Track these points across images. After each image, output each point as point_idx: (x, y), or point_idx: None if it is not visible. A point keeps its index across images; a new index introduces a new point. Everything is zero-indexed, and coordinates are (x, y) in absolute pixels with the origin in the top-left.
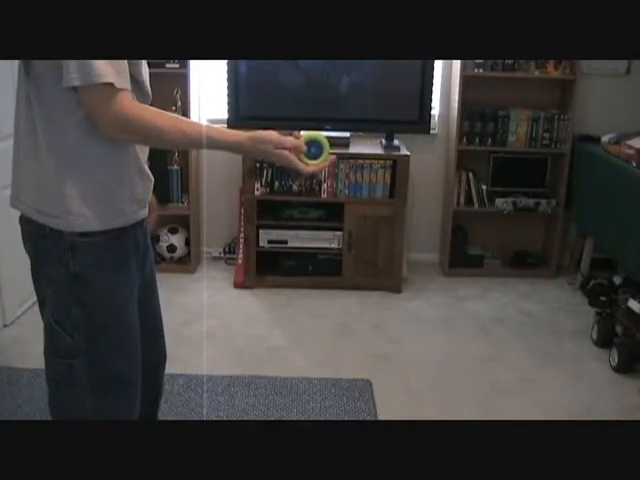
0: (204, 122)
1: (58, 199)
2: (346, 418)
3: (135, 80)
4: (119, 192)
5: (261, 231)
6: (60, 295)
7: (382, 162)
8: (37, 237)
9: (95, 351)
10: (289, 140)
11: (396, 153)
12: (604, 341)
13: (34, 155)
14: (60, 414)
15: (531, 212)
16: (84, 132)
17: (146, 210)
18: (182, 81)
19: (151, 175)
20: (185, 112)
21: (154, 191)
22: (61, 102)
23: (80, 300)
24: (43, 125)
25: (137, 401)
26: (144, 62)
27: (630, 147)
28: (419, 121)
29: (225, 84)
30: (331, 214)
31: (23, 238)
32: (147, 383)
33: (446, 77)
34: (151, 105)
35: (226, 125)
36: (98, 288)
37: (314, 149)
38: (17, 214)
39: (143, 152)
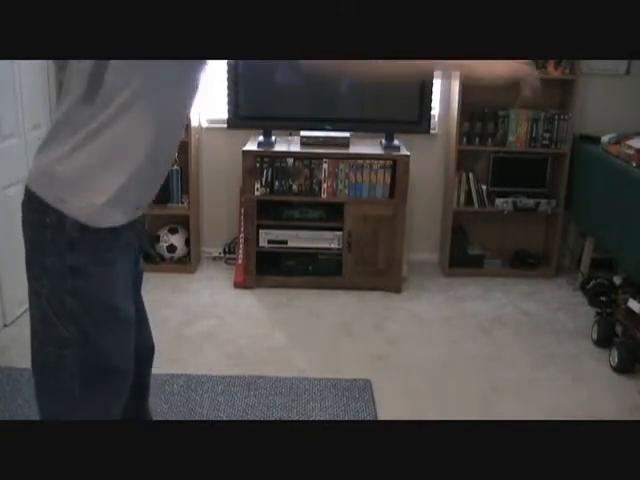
0: (204, 122)
1: (90, 190)
2: (346, 418)
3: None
4: (140, 196)
5: (261, 231)
6: (56, 286)
7: (382, 162)
8: (38, 225)
9: (88, 343)
10: None
11: (396, 153)
12: (604, 341)
13: (88, 142)
14: (47, 403)
15: (531, 212)
16: (139, 135)
17: (141, 210)
18: None
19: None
20: None
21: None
22: (128, 108)
23: (76, 293)
24: (109, 121)
25: (126, 394)
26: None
27: (630, 147)
28: (419, 121)
29: (225, 84)
30: (331, 214)
31: (23, 224)
32: (137, 375)
33: (446, 77)
34: None
35: (226, 125)
36: (94, 282)
37: None
38: (17, 214)
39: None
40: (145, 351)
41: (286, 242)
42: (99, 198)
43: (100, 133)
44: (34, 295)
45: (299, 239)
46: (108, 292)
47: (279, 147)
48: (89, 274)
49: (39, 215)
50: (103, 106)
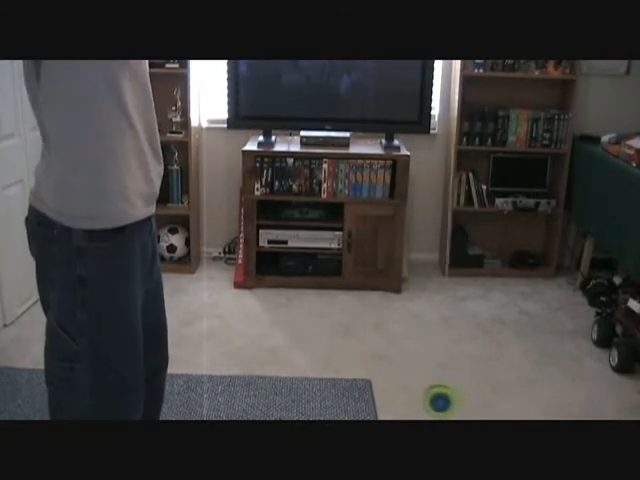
0: (204, 122)
1: (67, 196)
2: (346, 418)
3: (137, 79)
4: (131, 180)
5: (261, 231)
6: (65, 299)
7: (382, 162)
8: (45, 239)
9: (98, 356)
10: None
11: (396, 153)
12: (604, 341)
13: (45, 153)
14: (59, 417)
15: (531, 212)
16: (90, 125)
17: (153, 208)
18: (182, 81)
19: (157, 170)
20: (185, 112)
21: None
22: (66, 97)
23: (86, 304)
24: (51, 123)
25: (140, 408)
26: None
27: (630, 147)
28: (419, 121)
29: (225, 84)
30: (331, 214)
31: (29, 240)
32: (148, 388)
33: (446, 77)
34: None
35: (226, 125)
36: (104, 292)
37: (441, 403)
38: (17, 214)
39: (151, 144)
40: (160, 367)
41: (286, 242)
42: (89, 199)
43: (55, 137)
44: (45, 308)
45: (299, 239)
46: (116, 301)
47: (279, 147)
48: (97, 284)
49: (44, 229)
50: (41, 110)
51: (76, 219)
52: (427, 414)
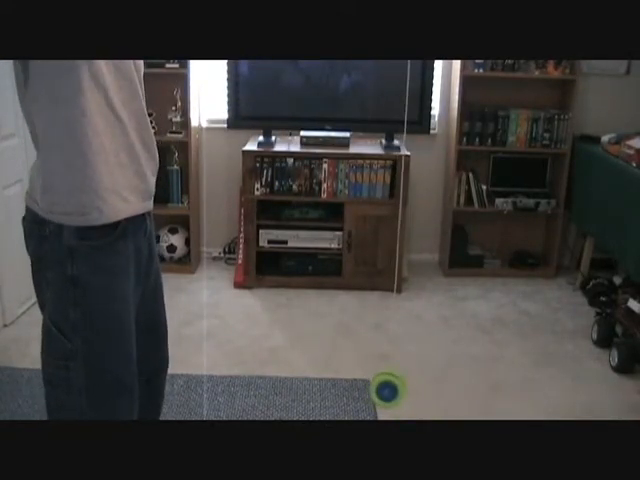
0: (204, 122)
1: (57, 193)
2: (346, 418)
3: (123, 75)
4: (122, 176)
5: (261, 231)
6: (58, 298)
7: (382, 162)
8: (38, 239)
9: (92, 355)
10: None
11: (396, 153)
12: (604, 341)
13: (36, 149)
14: (56, 416)
15: (531, 212)
16: (77, 120)
17: (148, 204)
18: (182, 81)
19: (150, 165)
20: (185, 112)
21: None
22: (54, 95)
23: (78, 304)
24: (38, 121)
25: (134, 408)
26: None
27: (630, 147)
28: (419, 121)
29: (225, 84)
30: (331, 214)
31: (26, 239)
32: (148, 390)
33: (446, 77)
34: (151, 105)
35: (226, 125)
36: (95, 291)
37: (387, 391)
38: (17, 214)
39: (143, 140)
40: (160, 368)
41: (286, 242)
42: (80, 196)
43: (42, 135)
44: (42, 308)
45: (299, 239)
46: (109, 301)
47: (279, 147)
48: (89, 283)
49: (38, 228)
50: (29, 109)
51: (67, 216)
52: (375, 402)
